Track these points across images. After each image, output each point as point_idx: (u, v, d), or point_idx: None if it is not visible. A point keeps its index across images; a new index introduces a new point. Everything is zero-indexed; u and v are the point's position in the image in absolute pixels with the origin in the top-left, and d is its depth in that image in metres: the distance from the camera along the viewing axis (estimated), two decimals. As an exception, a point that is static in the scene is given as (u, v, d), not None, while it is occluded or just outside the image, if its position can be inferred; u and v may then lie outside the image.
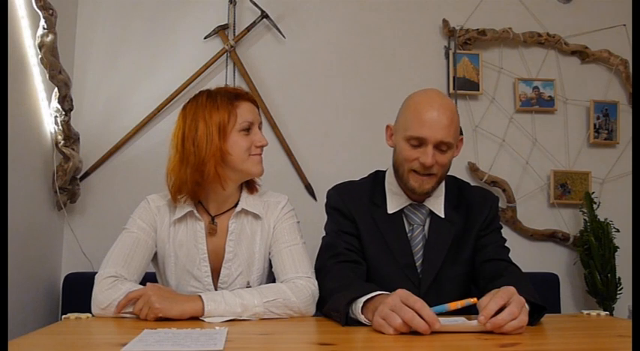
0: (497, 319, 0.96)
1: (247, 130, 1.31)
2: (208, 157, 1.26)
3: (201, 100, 1.32)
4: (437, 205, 1.42)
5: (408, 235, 1.40)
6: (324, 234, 1.49)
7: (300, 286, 1.25)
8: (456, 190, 1.47)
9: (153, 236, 1.34)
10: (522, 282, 1.15)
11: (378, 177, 1.50)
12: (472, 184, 1.57)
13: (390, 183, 1.45)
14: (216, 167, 1.27)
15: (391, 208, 1.42)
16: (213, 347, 0.84)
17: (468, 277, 1.43)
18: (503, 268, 1.31)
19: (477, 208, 1.43)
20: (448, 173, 1.51)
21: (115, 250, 1.28)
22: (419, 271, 1.38)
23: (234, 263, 1.34)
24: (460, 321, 1.05)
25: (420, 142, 1.30)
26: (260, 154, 1.34)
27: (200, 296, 1.15)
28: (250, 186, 1.40)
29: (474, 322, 0.99)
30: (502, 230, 1.49)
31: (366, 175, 1.55)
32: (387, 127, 1.45)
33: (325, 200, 1.52)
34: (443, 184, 1.46)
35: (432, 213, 1.41)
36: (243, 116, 1.31)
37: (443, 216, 1.40)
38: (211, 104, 1.30)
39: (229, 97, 1.32)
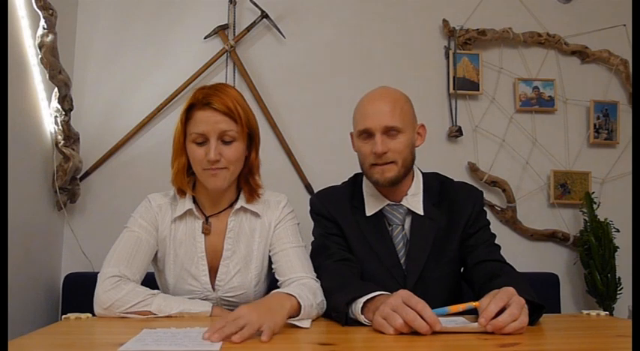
0: (497, 321, 0.96)
1: (201, 142, 1.27)
2: (175, 163, 1.33)
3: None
4: (414, 202, 1.41)
5: (390, 235, 1.40)
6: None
7: (314, 286, 1.24)
8: (438, 186, 1.46)
9: (154, 235, 1.34)
10: (520, 282, 1.15)
11: (357, 180, 1.51)
12: (472, 184, 1.56)
13: (367, 186, 1.46)
14: (182, 173, 1.32)
15: (369, 210, 1.42)
16: (210, 347, 0.84)
17: (455, 275, 1.43)
18: (498, 269, 1.30)
19: (460, 205, 1.42)
20: (435, 171, 1.52)
21: (118, 250, 1.28)
22: (404, 269, 1.37)
23: (232, 261, 1.34)
24: (460, 321, 1.05)
25: (368, 134, 1.36)
26: (214, 169, 1.26)
27: (294, 296, 1.09)
28: (251, 192, 1.38)
29: (475, 324, 0.99)
30: (502, 230, 1.48)
31: (347, 179, 1.56)
32: (351, 134, 1.48)
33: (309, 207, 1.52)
34: (420, 181, 1.45)
35: (410, 212, 1.41)
36: (195, 127, 1.27)
37: (422, 213, 1.40)
38: (182, 110, 1.30)
39: (190, 105, 1.28)
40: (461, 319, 1.08)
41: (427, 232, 1.38)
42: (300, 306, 1.07)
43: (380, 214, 1.42)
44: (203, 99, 1.26)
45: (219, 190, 1.32)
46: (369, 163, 1.36)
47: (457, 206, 1.42)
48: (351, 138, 1.47)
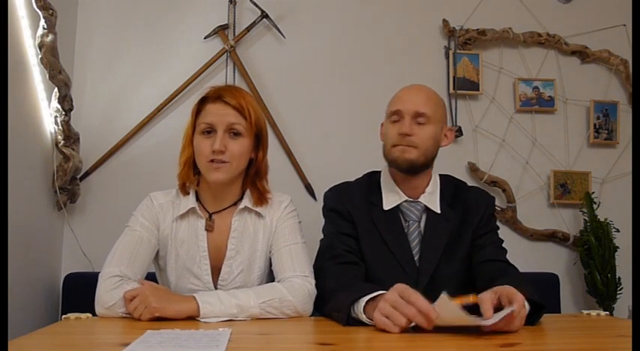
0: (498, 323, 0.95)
1: (208, 132, 1.29)
2: (182, 156, 1.34)
3: None
4: (432, 201, 1.44)
5: (405, 231, 1.41)
6: (322, 235, 1.49)
7: (296, 285, 1.25)
8: (452, 188, 1.49)
9: (156, 234, 1.34)
10: (524, 283, 1.15)
11: (373, 176, 1.53)
12: (472, 184, 1.57)
13: (386, 181, 1.48)
14: (188, 167, 1.34)
15: (387, 204, 1.43)
16: (214, 350, 0.84)
17: (465, 275, 1.44)
18: (503, 269, 1.32)
19: (472, 207, 1.45)
20: (446, 173, 1.53)
21: (119, 249, 1.28)
22: (417, 266, 1.38)
23: (235, 261, 1.34)
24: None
25: (398, 116, 1.40)
26: (216, 161, 1.27)
27: (195, 297, 1.14)
28: (260, 197, 1.38)
29: (473, 317, 0.97)
30: (502, 230, 1.50)
31: (361, 176, 1.56)
32: (381, 124, 1.52)
33: (323, 203, 1.52)
34: (437, 181, 1.48)
35: (427, 209, 1.42)
36: (204, 118, 1.30)
37: (439, 211, 1.42)
38: (194, 103, 1.34)
39: (202, 98, 1.32)
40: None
41: (441, 230, 1.40)
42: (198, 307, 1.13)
43: (396, 211, 1.43)
44: (215, 93, 1.31)
45: (220, 184, 1.32)
46: (393, 143, 1.39)
47: (470, 207, 1.45)
48: (381, 129, 1.51)
